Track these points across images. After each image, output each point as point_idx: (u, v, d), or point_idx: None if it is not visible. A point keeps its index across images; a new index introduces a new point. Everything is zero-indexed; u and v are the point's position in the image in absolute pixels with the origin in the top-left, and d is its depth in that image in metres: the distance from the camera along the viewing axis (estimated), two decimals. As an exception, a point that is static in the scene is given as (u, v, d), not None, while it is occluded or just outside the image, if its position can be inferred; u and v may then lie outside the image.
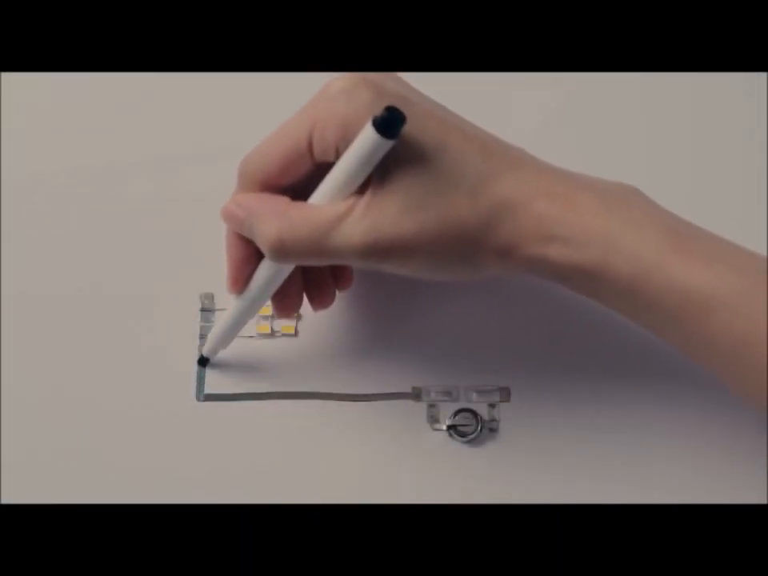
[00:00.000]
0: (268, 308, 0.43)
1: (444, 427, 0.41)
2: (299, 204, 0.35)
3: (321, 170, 0.35)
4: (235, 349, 0.43)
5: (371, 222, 0.33)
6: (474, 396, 0.42)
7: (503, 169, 0.34)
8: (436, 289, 0.43)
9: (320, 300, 0.39)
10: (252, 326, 0.43)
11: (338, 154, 0.34)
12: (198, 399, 0.42)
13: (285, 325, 0.43)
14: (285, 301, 0.39)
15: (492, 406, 0.42)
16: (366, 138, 0.32)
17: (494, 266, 0.35)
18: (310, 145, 0.34)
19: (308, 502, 0.40)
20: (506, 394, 0.42)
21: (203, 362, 0.42)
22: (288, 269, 0.37)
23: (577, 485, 0.41)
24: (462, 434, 0.41)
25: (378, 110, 0.32)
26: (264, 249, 0.35)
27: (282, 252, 0.34)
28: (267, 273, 0.37)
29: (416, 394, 0.42)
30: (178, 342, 0.43)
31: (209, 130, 0.46)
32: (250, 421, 0.42)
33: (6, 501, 0.41)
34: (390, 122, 0.32)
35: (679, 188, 0.44)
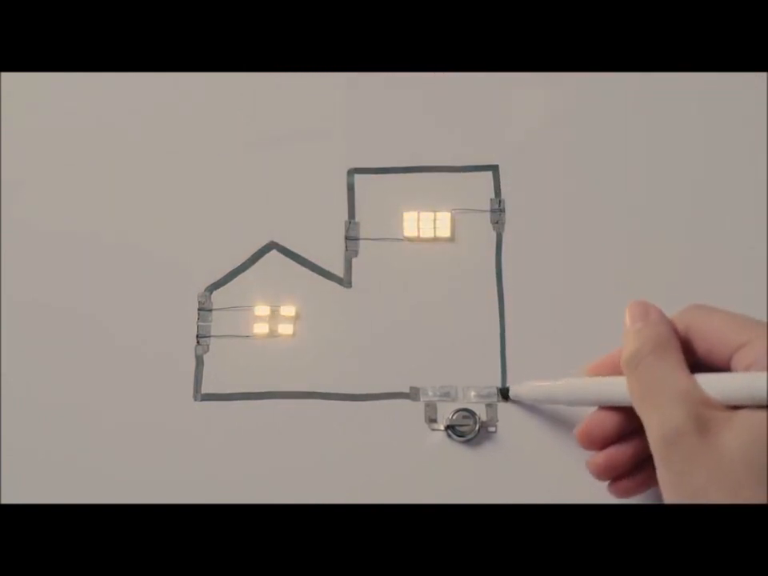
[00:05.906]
0: (267, 308, 0.43)
1: (442, 427, 0.41)
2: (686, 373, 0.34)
3: None
4: (234, 348, 0.43)
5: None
6: (472, 396, 0.42)
7: None
8: (435, 289, 0.43)
9: (620, 488, 0.38)
10: (251, 326, 0.43)
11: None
12: (196, 399, 0.42)
13: (283, 325, 0.43)
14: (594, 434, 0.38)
15: (490, 406, 0.42)
16: None
17: None
18: None
19: (305, 501, 0.40)
20: (504, 394, 0.42)
21: (504, 393, 0.42)
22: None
23: (574, 485, 0.41)
24: (460, 434, 0.41)
25: None
26: (624, 352, 0.36)
27: (632, 362, 0.35)
28: (608, 383, 0.37)
29: (414, 394, 0.42)
30: (176, 342, 0.43)
31: (209, 129, 0.46)
32: (247, 420, 0.42)
33: (5, 501, 0.41)
34: None
35: (679, 188, 0.44)
